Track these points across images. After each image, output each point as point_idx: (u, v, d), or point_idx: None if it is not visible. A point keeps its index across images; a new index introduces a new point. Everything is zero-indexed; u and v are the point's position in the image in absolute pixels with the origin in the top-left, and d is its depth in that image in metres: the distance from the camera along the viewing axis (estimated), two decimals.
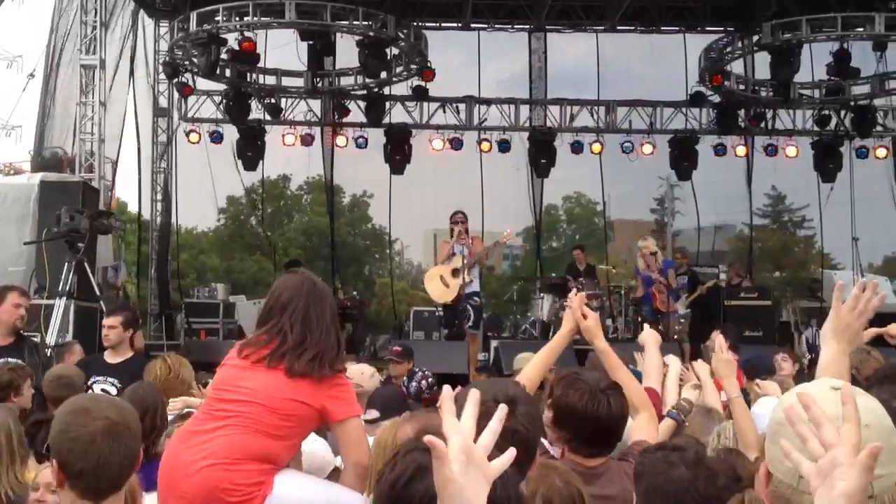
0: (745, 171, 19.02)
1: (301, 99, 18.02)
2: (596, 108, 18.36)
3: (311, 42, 15.51)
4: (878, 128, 18.00)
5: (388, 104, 17.56)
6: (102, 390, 5.81)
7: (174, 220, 18.50)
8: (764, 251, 25.89)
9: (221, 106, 17.36)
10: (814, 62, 16.45)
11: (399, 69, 16.61)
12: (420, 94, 17.05)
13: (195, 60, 15.28)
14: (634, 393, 3.46)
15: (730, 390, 4.00)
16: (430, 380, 8.00)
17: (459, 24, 17.98)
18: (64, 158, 14.18)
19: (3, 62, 18.73)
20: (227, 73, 16.27)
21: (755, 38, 15.54)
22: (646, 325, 4.58)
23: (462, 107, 18.13)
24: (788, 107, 17.94)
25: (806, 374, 10.59)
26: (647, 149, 17.84)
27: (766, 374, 6.36)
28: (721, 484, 2.46)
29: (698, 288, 13.95)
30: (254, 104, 17.06)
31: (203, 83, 16.82)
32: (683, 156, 17.84)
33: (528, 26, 18.34)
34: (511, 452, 1.56)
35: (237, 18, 14.56)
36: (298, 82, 17.39)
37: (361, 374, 5.61)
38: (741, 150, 18.41)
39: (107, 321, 6.43)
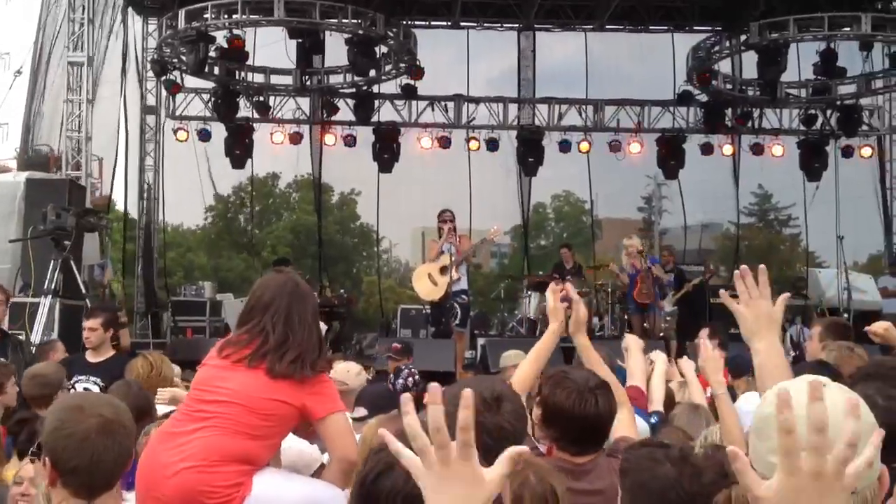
0: (731, 170, 19.09)
1: (290, 97, 17.99)
2: (584, 106, 18.40)
3: (299, 40, 15.49)
4: (864, 127, 18.12)
5: (376, 102, 17.55)
6: (84, 389, 5.78)
7: (161, 218, 18.47)
8: (750, 249, 26.01)
9: (210, 104, 17.31)
10: (800, 62, 16.55)
11: (388, 67, 16.60)
12: (409, 93, 17.05)
13: (183, 58, 15.24)
14: (614, 389, 3.47)
15: (715, 387, 4.02)
16: (416, 377, 8.02)
17: (449, 23, 17.99)
18: (51, 156, 14.14)
19: None
20: (216, 70, 16.22)
21: (743, 37, 15.60)
22: (627, 333, 4.60)
23: (451, 105, 18.14)
24: (775, 106, 18.03)
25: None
26: (635, 147, 17.91)
27: (752, 374, 6.37)
28: (706, 481, 2.47)
29: (685, 285, 13.99)
30: (242, 102, 17.02)
31: (191, 81, 16.80)
32: (671, 155, 17.90)
33: (517, 25, 18.36)
34: (508, 460, 1.46)
35: (226, 16, 14.52)
36: (287, 80, 17.37)
37: (348, 371, 5.61)
38: (728, 149, 18.49)
39: (87, 323, 6.40)
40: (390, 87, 17.36)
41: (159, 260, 18.41)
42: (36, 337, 9.53)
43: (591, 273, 15.69)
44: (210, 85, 16.98)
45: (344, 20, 14.27)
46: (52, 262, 10.36)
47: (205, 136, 17.52)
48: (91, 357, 6.34)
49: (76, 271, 10.88)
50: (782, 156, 18.28)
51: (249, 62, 16.59)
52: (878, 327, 4.83)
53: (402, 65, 16.31)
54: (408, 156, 17.93)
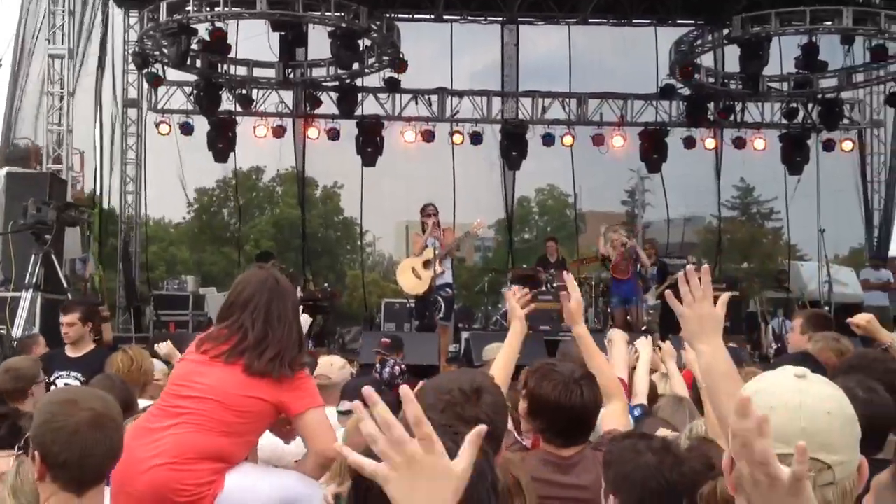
0: (714, 164, 19.19)
1: (273, 90, 17.91)
2: (567, 100, 18.42)
3: (282, 33, 15.44)
4: (845, 121, 18.22)
5: (360, 96, 17.50)
6: (65, 385, 5.75)
7: (143, 212, 18.39)
8: (732, 242, 26.16)
9: (192, 97, 17.22)
10: (782, 55, 16.64)
11: (371, 61, 16.55)
12: (392, 86, 17.00)
13: (165, 51, 15.16)
14: (608, 381, 3.48)
15: (700, 379, 4.05)
16: (402, 367, 8.03)
17: (432, 16, 17.95)
18: (32, 149, 14.03)
19: None
20: (198, 63, 16.14)
21: (725, 31, 15.65)
22: (612, 327, 4.62)
23: (434, 99, 18.11)
24: (757, 100, 18.13)
25: (772, 363, 10.72)
26: (618, 141, 17.95)
27: (744, 367, 6.41)
28: (686, 470, 2.49)
29: (668, 279, 14.04)
30: (225, 95, 16.93)
31: (173, 74, 16.67)
32: (653, 148, 17.95)
33: (500, 18, 18.34)
34: (470, 446, 1.45)
35: (208, 8, 14.44)
36: (270, 73, 17.30)
37: (331, 365, 5.60)
38: (710, 143, 18.56)
39: (64, 318, 6.36)
40: (373, 80, 17.32)
41: (141, 254, 18.34)
42: (17, 331, 9.48)
43: (575, 266, 15.72)
44: (192, 78, 16.88)
45: (327, 13, 14.22)
46: (33, 256, 10.29)
47: (187, 129, 17.43)
48: (71, 352, 6.31)
49: (57, 265, 10.83)
50: (764, 149, 18.38)
51: (232, 55, 16.49)
52: (861, 319, 4.87)
53: (385, 58, 16.27)
54: (391, 149, 17.88)
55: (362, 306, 20.65)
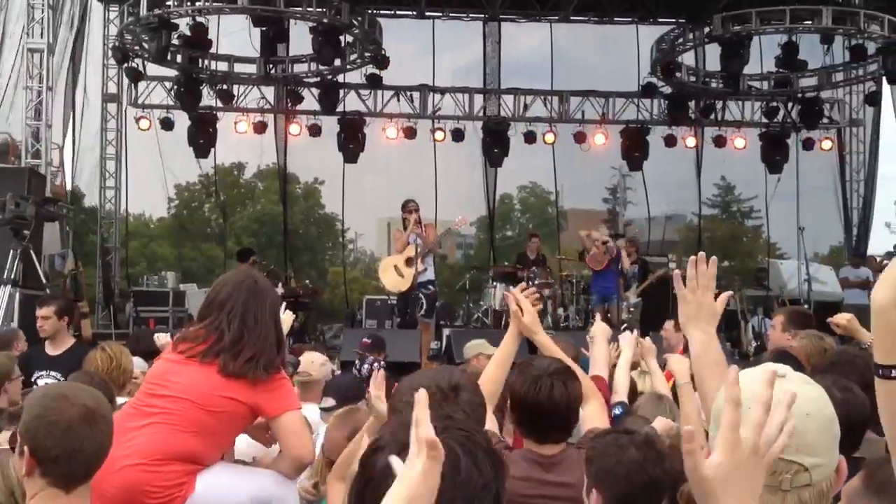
0: (694, 162, 19.27)
1: (254, 86, 17.84)
2: (549, 97, 18.45)
3: (263, 28, 15.37)
4: (825, 120, 18.35)
5: (341, 92, 17.46)
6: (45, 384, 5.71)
7: (123, 208, 18.28)
8: (713, 241, 26.16)
9: (172, 92, 17.12)
10: (763, 54, 16.71)
11: (353, 57, 16.52)
12: (374, 83, 16.98)
13: (145, 45, 15.05)
14: (585, 382, 3.49)
15: (679, 378, 4.06)
16: (381, 363, 8.01)
17: (414, 13, 17.93)
18: (11, 144, 13.90)
19: None
20: (179, 58, 16.05)
21: (706, 29, 15.72)
22: (597, 319, 4.61)
23: (416, 95, 18.10)
24: (737, 98, 18.22)
25: (751, 360, 10.78)
26: (600, 139, 18.00)
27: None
28: (668, 466, 2.50)
29: (649, 276, 14.10)
30: (205, 90, 16.85)
31: (154, 69, 16.58)
32: (635, 146, 18.02)
33: (482, 15, 18.35)
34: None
35: (189, 3, 14.35)
36: (251, 69, 17.23)
37: (312, 362, 5.58)
38: (691, 141, 18.65)
39: (40, 312, 6.32)
40: (355, 76, 17.29)
41: (121, 250, 18.23)
42: None
43: (556, 263, 15.75)
44: (173, 73, 16.77)
45: (308, 8, 14.16)
46: (12, 251, 10.21)
47: (167, 124, 17.33)
48: (50, 349, 6.26)
49: (36, 261, 10.75)
50: (744, 148, 18.48)
51: (213, 50, 16.43)
52: (841, 318, 4.90)
53: (367, 54, 16.23)
54: (373, 146, 17.87)
55: (344, 303, 20.61)
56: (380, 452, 1.58)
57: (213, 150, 17.77)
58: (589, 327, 12.79)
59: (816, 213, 18.71)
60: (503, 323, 13.23)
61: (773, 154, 18.15)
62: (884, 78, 16.27)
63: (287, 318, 4.31)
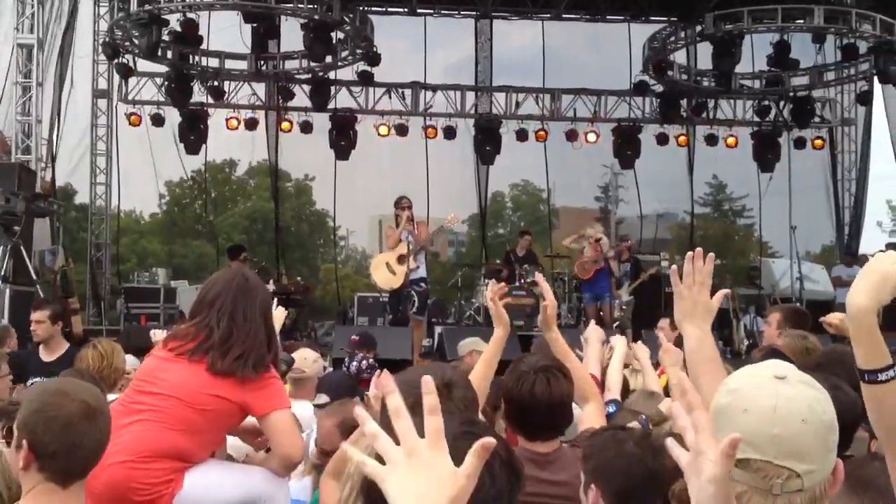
0: (686, 161, 19.28)
1: (245, 82, 17.79)
2: (541, 95, 18.44)
3: (254, 24, 15.32)
4: (816, 119, 18.38)
5: (333, 89, 17.42)
6: None
7: (114, 204, 18.22)
8: (705, 239, 26.21)
9: (163, 88, 17.06)
10: (754, 53, 16.73)
11: (345, 53, 16.47)
12: (366, 79, 16.93)
13: (136, 41, 14.99)
14: (583, 383, 3.47)
15: (672, 376, 4.05)
16: (370, 360, 7.99)
17: (406, 10, 17.90)
18: (1, 139, 13.84)
19: None
20: (169, 54, 15.99)
21: (698, 28, 15.74)
22: (591, 324, 4.59)
23: (408, 92, 18.07)
24: (729, 97, 18.24)
25: (744, 358, 10.80)
26: (592, 137, 18.00)
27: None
28: (664, 461, 2.49)
29: (641, 275, 14.11)
30: (196, 87, 16.78)
31: (144, 65, 16.50)
32: (626, 144, 18.03)
33: (474, 13, 18.33)
34: (476, 456, 1.33)
35: None
36: (242, 65, 17.18)
37: (304, 359, 5.57)
38: (683, 140, 18.66)
39: (34, 315, 6.29)
40: (347, 73, 17.23)
41: (112, 246, 18.17)
42: None
43: (548, 261, 15.74)
44: (163, 69, 16.71)
45: (299, 5, 14.11)
46: (2, 247, 10.19)
47: (158, 120, 17.27)
48: (45, 355, 6.22)
49: (26, 257, 10.70)
50: (736, 146, 18.49)
51: (203, 46, 16.37)
52: (833, 318, 4.89)
53: (358, 51, 16.18)
54: (365, 143, 17.82)
55: (335, 300, 20.58)
56: None
57: (204, 146, 17.71)
58: (581, 325, 12.85)
59: (808, 212, 18.74)
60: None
61: (765, 153, 18.19)
62: (875, 77, 16.27)
63: (279, 314, 4.29)
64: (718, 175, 26.30)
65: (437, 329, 13.17)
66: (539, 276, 3.77)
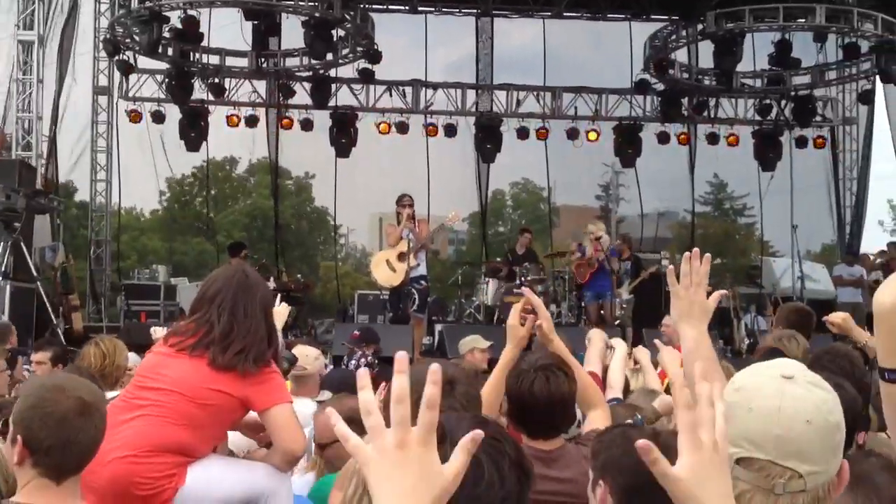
0: (687, 159, 19.26)
1: (245, 79, 17.77)
2: (542, 93, 18.43)
3: (255, 21, 15.30)
4: (818, 118, 18.35)
5: (333, 86, 17.40)
6: None
7: (115, 201, 18.22)
8: (706, 238, 26.24)
9: (163, 85, 17.04)
10: (756, 52, 16.71)
11: (345, 51, 16.45)
12: (366, 77, 16.92)
13: (137, 38, 14.97)
14: (591, 390, 3.44)
15: (672, 375, 4.05)
16: (369, 358, 7.98)
17: (407, 8, 17.89)
18: (1, 136, 13.85)
19: None
20: (170, 51, 15.97)
21: (699, 26, 15.73)
22: (594, 329, 4.62)
23: (409, 90, 18.04)
24: (730, 96, 18.22)
25: (744, 358, 10.80)
26: (593, 135, 17.98)
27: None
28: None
29: (641, 273, 14.10)
30: (197, 84, 16.76)
31: (145, 62, 16.48)
32: (627, 143, 18.01)
33: (475, 11, 18.32)
34: (463, 451, 1.28)
35: None
36: (243, 62, 17.15)
37: (306, 356, 5.56)
38: (684, 138, 18.64)
39: (35, 356, 6.21)
40: (347, 70, 17.21)
41: (112, 243, 18.17)
42: None
43: (549, 260, 15.73)
44: (164, 66, 16.69)
45: (300, 2, 14.11)
46: (2, 244, 10.19)
47: (159, 118, 17.26)
48: None
49: (27, 253, 10.71)
50: (737, 145, 18.48)
51: (204, 44, 16.33)
52: (836, 317, 4.89)
53: (359, 49, 16.15)
54: (365, 141, 17.81)
55: (336, 298, 20.58)
56: None
57: (204, 143, 17.70)
58: (582, 325, 12.84)
59: (809, 211, 18.72)
60: (495, 318, 13.23)
61: (767, 152, 18.16)
62: (877, 76, 16.26)
63: (283, 310, 4.29)
64: (719, 174, 26.30)
65: (438, 327, 13.17)
66: (527, 291, 3.42)
